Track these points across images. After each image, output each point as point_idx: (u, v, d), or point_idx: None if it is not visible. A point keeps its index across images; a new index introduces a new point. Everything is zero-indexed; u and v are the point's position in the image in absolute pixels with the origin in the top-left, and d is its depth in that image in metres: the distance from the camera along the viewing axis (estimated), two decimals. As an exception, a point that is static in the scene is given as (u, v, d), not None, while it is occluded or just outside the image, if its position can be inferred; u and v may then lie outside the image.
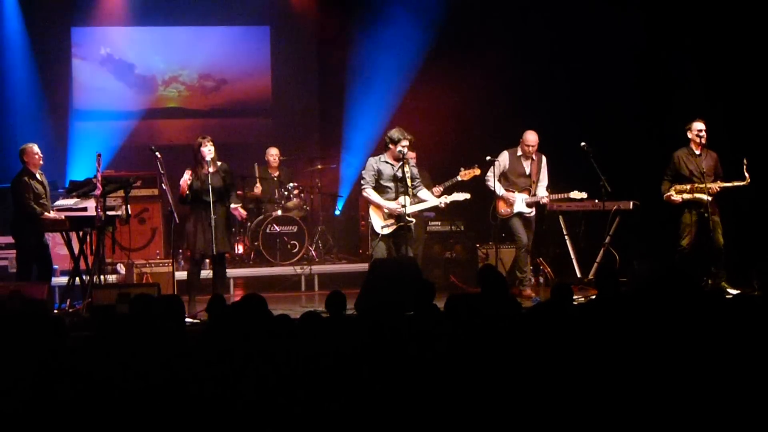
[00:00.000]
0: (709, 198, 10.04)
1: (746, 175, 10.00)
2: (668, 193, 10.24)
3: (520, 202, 10.68)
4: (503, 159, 10.70)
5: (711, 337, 4.90)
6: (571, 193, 10.74)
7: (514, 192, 10.69)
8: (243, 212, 10.67)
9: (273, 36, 14.61)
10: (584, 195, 10.73)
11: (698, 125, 10.17)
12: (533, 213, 10.80)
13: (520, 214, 10.69)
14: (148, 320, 5.60)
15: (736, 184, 10.10)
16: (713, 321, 5.13)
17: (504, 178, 10.72)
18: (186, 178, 9.50)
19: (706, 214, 10.06)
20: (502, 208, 10.71)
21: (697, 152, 10.20)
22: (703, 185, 10.06)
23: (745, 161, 9.98)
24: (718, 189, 10.12)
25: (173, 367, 4.65)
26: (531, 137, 10.67)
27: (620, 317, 5.49)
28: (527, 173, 10.74)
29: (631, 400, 4.38)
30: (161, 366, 4.65)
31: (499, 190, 10.64)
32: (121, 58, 14.12)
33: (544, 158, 10.82)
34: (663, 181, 10.34)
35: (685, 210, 10.20)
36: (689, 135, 10.21)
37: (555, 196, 10.85)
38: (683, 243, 10.18)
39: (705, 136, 10.13)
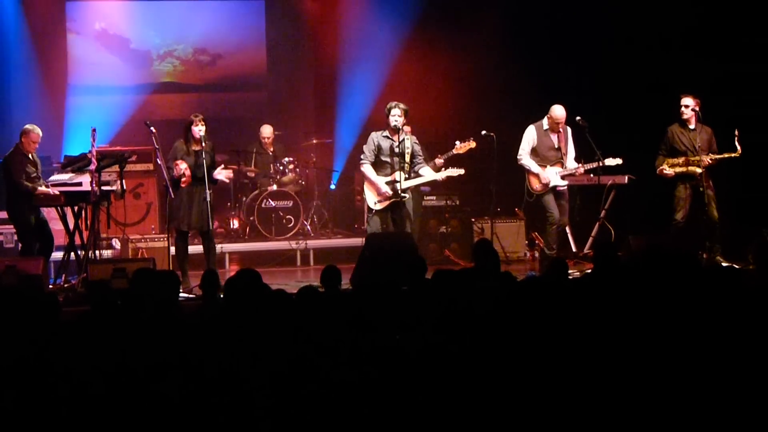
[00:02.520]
0: (701, 171, 10.03)
1: (737, 146, 9.98)
2: (661, 167, 10.25)
3: (554, 176, 10.34)
4: (530, 134, 10.42)
5: (707, 310, 4.92)
6: (606, 160, 10.25)
7: (546, 167, 10.36)
8: (229, 172, 10.21)
9: (268, 10, 14.55)
10: (619, 161, 10.31)
11: (684, 100, 10.15)
12: (566, 185, 10.45)
13: (554, 189, 10.32)
14: (145, 295, 5.61)
15: (727, 155, 10.07)
16: (709, 294, 5.15)
17: (533, 153, 10.41)
18: (183, 168, 9.56)
19: (700, 188, 10.06)
20: (536, 183, 10.38)
21: (692, 127, 10.19)
22: (696, 158, 10.06)
23: (736, 132, 9.96)
24: (710, 161, 10.10)
25: (168, 342, 4.67)
26: (559, 112, 10.32)
27: (615, 291, 5.51)
28: (556, 146, 10.42)
29: (625, 372, 4.40)
30: (157, 341, 4.67)
31: (535, 167, 10.33)
32: (116, 33, 14.06)
33: (569, 129, 10.49)
34: (658, 155, 10.34)
35: (679, 184, 10.20)
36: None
37: (589, 166, 10.38)
38: (677, 217, 10.19)
39: (697, 111, 10.11)
